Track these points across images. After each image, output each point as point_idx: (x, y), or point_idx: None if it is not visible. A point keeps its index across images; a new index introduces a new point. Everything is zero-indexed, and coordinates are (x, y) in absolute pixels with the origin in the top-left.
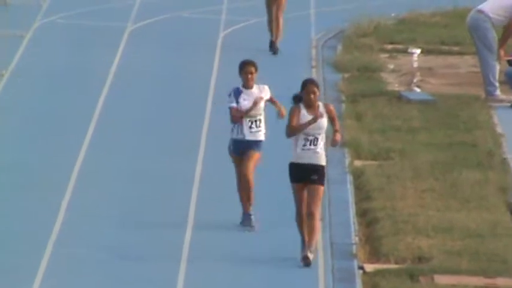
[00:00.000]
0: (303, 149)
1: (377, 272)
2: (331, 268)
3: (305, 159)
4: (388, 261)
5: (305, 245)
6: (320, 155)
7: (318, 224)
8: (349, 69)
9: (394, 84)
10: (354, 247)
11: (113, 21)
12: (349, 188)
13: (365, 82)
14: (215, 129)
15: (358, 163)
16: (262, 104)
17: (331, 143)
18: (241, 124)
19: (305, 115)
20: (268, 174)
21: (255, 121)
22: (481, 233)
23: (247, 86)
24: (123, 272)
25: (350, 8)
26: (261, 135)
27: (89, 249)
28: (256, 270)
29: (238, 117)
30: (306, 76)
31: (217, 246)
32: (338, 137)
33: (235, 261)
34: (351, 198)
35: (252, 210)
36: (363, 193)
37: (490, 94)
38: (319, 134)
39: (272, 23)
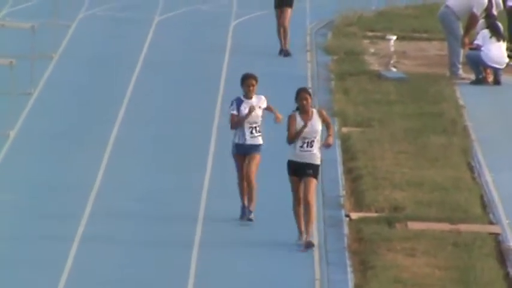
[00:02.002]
0: (301, 150)
1: (360, 220)
2: (322, 216)
3: (302, 158)
4: (369, 210)
5: (301, 232)
6: (316, 155)
7: (315, 212)
8: (338, 52)
9: (374, 65)
10: (342, 199)
11: (142, 13)
12: (338, 150)
13: (351, 63)
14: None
15: (345, 130)
16: (260, 112)
17: (324, 144)
18: (243, 130)
19: (299, 122)
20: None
21: (255, 127)
22: (447, 187)
23: (247, 96)
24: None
25: (338, 2)
26: (260, 140)
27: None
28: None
29: (236, 122)
30: (302, 58)
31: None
32: (330, 140)
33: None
34: (339, 159)
35: (253, 208)
36: (349, 154)
37: (454, 73)
38: (315, 137)
39: (280, 32)
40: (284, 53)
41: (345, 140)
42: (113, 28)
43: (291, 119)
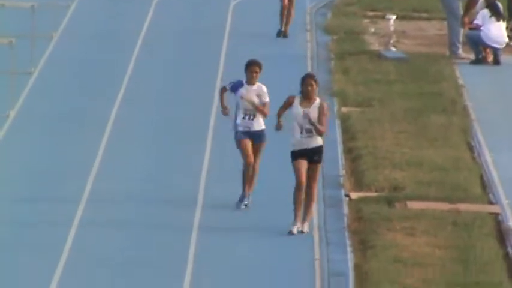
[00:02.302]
0: (301, 137)
1: (360, 199)
2: (322, 196)
3: (304, 145)
4: (369, 190)
5: (296, 219)
6: (316, 137)
7: (315, 198)
8: (337, 32)
9: (374, 44)
10: (341, 179)
11: None
12: (338, 130)
13: (350, 43)
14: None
15: (344, 109)
16: (256, 100)
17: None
18: (238, 114)
19: (297, 106)
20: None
21: (249, 115)
22: (446, 167)
23: (249, 82)
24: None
25: None
26: (258, 126)
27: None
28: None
29: (220, 95)
30: (302, 38)
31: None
32: (314, 122)
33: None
34: (339, 139)
35: (251, 192)
36: (348, 134)
37: (454, 53)
38: (310, 125)
39: (284, 13)
40: (283, 34)
41: (344, 119)
42: (113, 7)
43: (288, 99)
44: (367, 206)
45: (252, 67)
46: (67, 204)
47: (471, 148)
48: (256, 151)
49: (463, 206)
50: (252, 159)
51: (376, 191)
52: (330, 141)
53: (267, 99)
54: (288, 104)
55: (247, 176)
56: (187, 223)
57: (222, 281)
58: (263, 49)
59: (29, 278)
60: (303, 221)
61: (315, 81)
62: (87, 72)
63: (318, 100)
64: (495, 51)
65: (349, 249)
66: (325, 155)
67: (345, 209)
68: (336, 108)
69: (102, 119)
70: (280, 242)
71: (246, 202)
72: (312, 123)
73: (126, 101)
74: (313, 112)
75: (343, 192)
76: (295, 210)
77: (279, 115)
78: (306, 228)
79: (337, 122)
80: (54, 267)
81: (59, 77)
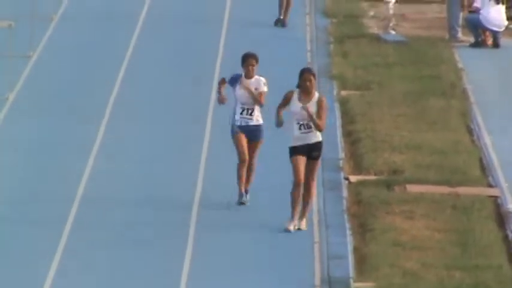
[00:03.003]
0: (300, 133)
1: (359, 182)
2: (322, 179)
3: (303, 140)
4: (368, 173)
5: (293, 218)
6: (315, 133)
7: (314, 194)
8: (337, 15)
9: (373, 28)
10: (341, 162)
11: None
12: (337, 113)
13: (350, 26)
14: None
15: (344, 93)
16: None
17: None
18: (235, 109)
19: (295, 102)
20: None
21: (247, 109)
22: (445, 150)
23: (247, 76)
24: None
25: None
26: (254, 121)
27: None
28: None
29: (218, 87)
30: (301, 21)
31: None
32: (312, 113)
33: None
34: (338, 122)
35: (249, 187)
36: (348, 117)
37: (453, 36)
38: (309, 120)
39: (283, 2)
40: (281, 23)
41: (343, 103)
42: None
43: (287, 94)
44: (367, 189)
45: (248, 60)
46: (67, 182)
47: (470, 131)
48: (253, 148)
49: (462, 189)
50: (246, 156)
51: (375, 174)
52: (329, 125)
53: (263, 88)
54: (287, 100)
55: (242, 172)
56: (186, 203)
57: (223, 257)
58: (262, 31)
59: (31, 255)
60: (301, 217)
61: (314, 75)
62: (87, 55)
63: (317, 95)
64: (494, 34)
65: (348, 232)
66: (325, 138)
67: (344, 192)
68: (335, 91)
69: (102, 99)
70: (280, 224)
71: (244, 199)
72: (310, 117)
73: (125, 82)
74: (312, 107)
75: (342, 175)
76: (293, 207)
77: (279, 112)
78: (303, 226)
79: (337, 105)
80: (55, 245)
81: (58, 60)
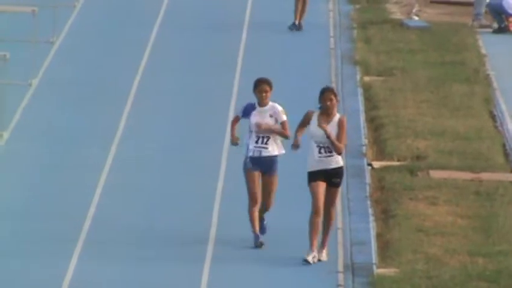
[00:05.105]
0: (320, 157)
1: (383, 168)
2: (345, 165)
3: (323, 165)
4: (391, 159)
5: (312, 248)
6: (336, 157)
7: (333, 223)
8: (360, 1)
9: (396, 13)
10: (364, 148)
11: None
12: (360, 99)
13: (373, 12)
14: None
15: (367, 78)
16: (272, 121)
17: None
18: (251, 138)
19: (314, 123)
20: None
21: (262, 137)
22: (468, 136)
23: (261, 104)
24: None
25: None
26: (272, 150)
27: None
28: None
29: (231, 125)
30: (324, 7)
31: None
32: (330, 132)
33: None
34: (361, 108)
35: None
36: (371, 103)
37: (477, 21)
38: (330, 143)
39: (298, 4)
40: (297, 27)
41: (367, 89)
42: None
43: (306, 116)
44: (390, 175)
45: (261, 87)
46: (90, 169)
47: (493, 117)
48: (267, 185)
49: (485, 175)
50: (258, 195)
51: (398, 160)
52: (353, 111)
53: (284, 118)
54: (306, 120)
55: (254, 215)
56: (209, 192)
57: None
58: (285, 18)
59: (52, 245)
60: (321, 248)
61: (335, 95)
62: (109, 41)
63: (338, 116)
64: None
65: (371, 218)
66: (348, 124)
67: (368, 178)
68: (358, 77)
69: (125, 87)
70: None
71: (261, 240)
72: (328, 137)
73: (148, 69)
74: (333, 128)
75: (365, 161)
76: (311, 237)
77: (298, 133)
78: (324, 257)
79: (360, 91)
80: (77, 233)
81: (80, 46)
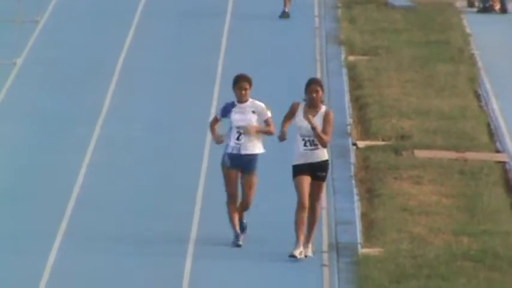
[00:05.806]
0: (305, 150)
1: (367, 148)
2: (329, 145)
3: (308, 159)
4: (376, 138)
5: (299, 242)
6: (321, 150)
7: (318, 217)
8: None
9: None
10: (349, 127)
11: None
12: (345, 78)
13: None
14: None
15: (351, 58)
16: (253, 118)
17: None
18: (230, 135)
19: (300, 114)
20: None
21: (243, 133)
22: (453, 116)
23: (240, 100)
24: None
25: None
26: (254, 148)
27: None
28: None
29: (210, 127)
30: None
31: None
32: (316, 125)
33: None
34: (346, 87)
35: (244, 218)
36: (355, 83)
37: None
38: (315, 136)
39: None
40: (288, 14)
41: (351, 68)
42: None
43: (292, 107)
44: (374, 155)
45: (240, 83)
46: (74, 149)
47: (478, 96)
48: (247, 183)
49: (470, 155)
50: (236, 194)
51: (383, 140)
52: (337, 90)
53: (268, 114)
54: (292, 112)
55: (233, 213)
56: (193, 171)
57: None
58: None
59: (35, 226)
60: (307, 243)
61: (321, 86)
62: (93, 20)
63: (323, 108)
64: (502, 0)
65: (356, 198)
66: (333, 103)
67: (352, 158)
68: (343, 56)
69: (110, 66)
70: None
71: (240, 242)
72: (313, 129)
73: (133, 49)
74: (318, 121)
75: (350, 140)
76: (297, 232)
77: (284, 125)
78: (310, 252)
79: (344, 71)
80: (61, 212)
81: (65, 25)
